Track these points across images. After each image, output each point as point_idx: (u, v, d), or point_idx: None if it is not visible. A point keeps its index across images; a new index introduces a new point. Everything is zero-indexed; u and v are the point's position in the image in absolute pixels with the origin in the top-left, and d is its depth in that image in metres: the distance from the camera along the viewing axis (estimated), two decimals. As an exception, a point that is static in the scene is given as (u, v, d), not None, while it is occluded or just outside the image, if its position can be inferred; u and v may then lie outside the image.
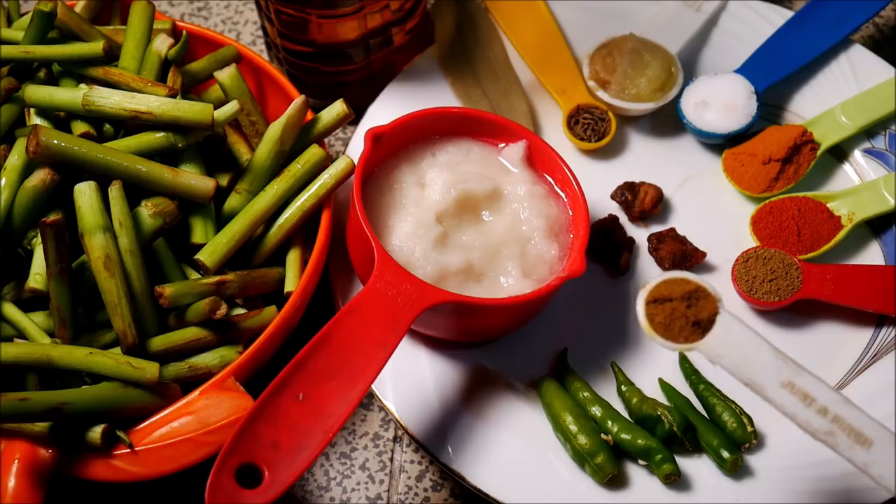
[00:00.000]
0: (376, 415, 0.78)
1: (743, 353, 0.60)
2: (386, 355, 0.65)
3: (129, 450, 0.65)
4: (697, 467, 0.72)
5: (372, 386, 0.71)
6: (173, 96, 0.72)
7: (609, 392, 0.76)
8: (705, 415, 0.74)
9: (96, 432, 0.65)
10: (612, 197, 0.84)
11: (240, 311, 0.72)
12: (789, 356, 0.61)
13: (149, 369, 0.66)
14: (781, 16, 0.90)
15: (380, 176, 0.77)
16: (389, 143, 0.77)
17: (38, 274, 0.67)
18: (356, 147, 0.82)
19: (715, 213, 0.84)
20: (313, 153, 0.76)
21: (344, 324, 0.66)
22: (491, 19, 0.92)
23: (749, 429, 0.71)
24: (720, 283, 0.80)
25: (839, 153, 0.86)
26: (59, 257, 0.65)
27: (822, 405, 0.59)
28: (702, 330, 0.61)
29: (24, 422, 0.64)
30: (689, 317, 0.61)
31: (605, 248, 0.81)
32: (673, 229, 0.82)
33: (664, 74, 0.86)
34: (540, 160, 0.79)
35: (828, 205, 0.81)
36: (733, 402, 0.73)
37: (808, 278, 0.77)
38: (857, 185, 0.83)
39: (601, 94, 0.86)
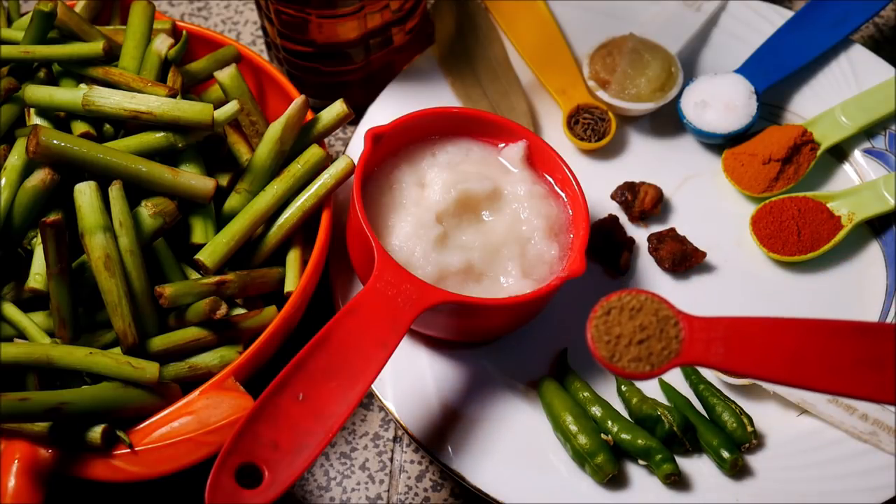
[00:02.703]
0: (376, 415, 0.78)
1: None
2: (386, 355, 0.65)
3: (129, 450, 0.65)
4: (697, 467, 0.72)
5: (372, 386, 0.71)
6: (173, 96, 0.72)
7: (609, 392, 0.76)
8: (705, 415, 0.74)
9: (96, 432, 0.65)
10: (612, 197, 0.84)
11: (240, 311, 0.72)
12: None
13: (149, 369, 0.66)
14: (781, 16, 0.90)
15: (380, 176, 0.77)
16: (389, 143, 0.77)
17: (38, 274, 0.67)
18: (356, 147, 0.82)
19: (715, 213, 0.84)
20: (313, 153, 0.76)
21: (344, 324, 0.66)
22: (491, 19, 0.92)
23: (749, 429, 0.71)
24: (720, 285, 0.80)
25: (839, 153, 0.86)
26: (59, 257, 0.65)
27: (862, 412, 0.71)
28: None
29: (24, 422, 0.64)
30: None
31: (605, 248, 0.81)
32: (673, 229, 0.82)
33: (664, 74, 0.86)
34: (540, 160, 0.79)
35: (828, 205, 0.81)
36: (733, 402, 0.73)
37: (691, 337, 0.57)
38: (857, 185, 0.83)
39: (601, 94, 0.86)
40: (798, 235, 0.80)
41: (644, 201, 0.82)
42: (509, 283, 0.73)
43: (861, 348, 0.55)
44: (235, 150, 0.76)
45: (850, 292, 0.79)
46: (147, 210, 0.69)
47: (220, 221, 0.74)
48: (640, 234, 0.83)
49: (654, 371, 0.57)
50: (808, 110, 0.87)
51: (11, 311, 0.69)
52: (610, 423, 0.72)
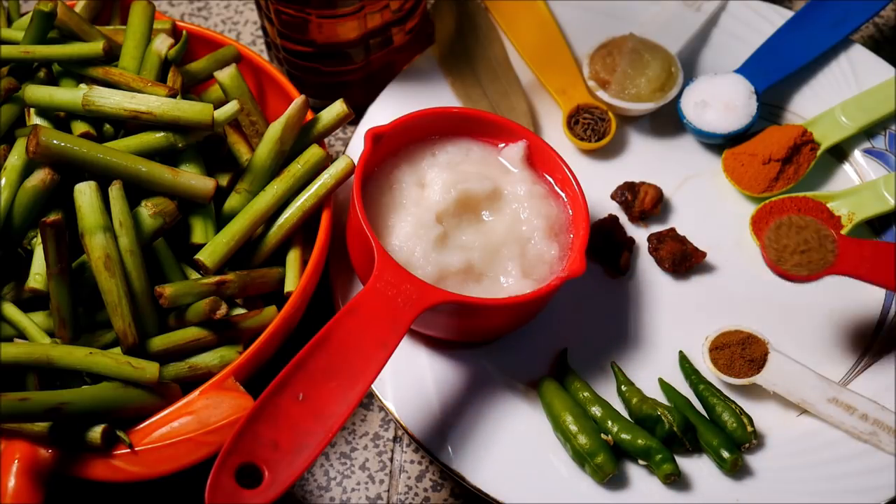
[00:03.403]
0: (376, 415, 0.78)
1: (794, 380, 0.73)
2: (386, 355, 0.65)
3: (129, 450, 0.65)
4: (697, 467, 0.72)
5: (372, 386, 0.71)
6: (173, 96, 0.72)
7: (609, 392, 0.76)
8: (705, 415, 0.74)
9: (96, 432, 0.65)
10: (612, 197, 0.84)
11: (240, 311, 0.72)
12: (829, 378, 0.73)
13: (149, 369, 0.66)
14: (781, 16, 0.90)
15: (380, 176, 0.77)
16: (389, 143, 0.77)
17: (38, 274, 0.67)
18: (356, 147, 0.82)
19: (715, 213, 0.84)
20: (313, 153, 0.76)
21: (344, 324, 0.66)
22: (491, 19, 0.92)
23: (749, 429, 0.71)
24: (720, 285, 0.81)
25: (839, 153, 0.86)
26: (59, 257, 0.65)
27: (862, 412, 0.72)
28: (757, 366, 0.74)
29: (24, 422, 0.64)
30: (746, 357, 0.74)
31: (605, 248, 0.81)
32: (673, 229, 0.82)
33: (664, 74, 0.86)
34: (540, 160, 0.79)
35: (828, 205, 0.81)
36: (733, 402, 0.73)
37: (844, 253, 0.70)
38: (857, 185, 0.83)
39: (601, 94, 0.86)
40: None
41: (644, 201, 0.82)
42: (509, 283, 0.73)
43: None
44: (235, 150, 0.76)
45: (850, 292, 0.79)
46: (147, 210, 0.69)
47: (220, 221, 0.74)
48: (640, 234, 0.83)
49: (812, 275, 0.71)
50: (808, 110, 0.87)
51: (11, 311, 0.69)
52: (610, 423, 0.72)
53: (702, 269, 0.81)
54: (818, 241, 0.71)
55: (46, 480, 0.64)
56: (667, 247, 0.80)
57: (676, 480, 0.70)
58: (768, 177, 0.83)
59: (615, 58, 0.87)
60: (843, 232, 0.80)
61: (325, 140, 0.80)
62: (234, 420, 0.64)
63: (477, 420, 0.73)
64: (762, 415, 0.74)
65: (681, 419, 0.71)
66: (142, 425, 0.66)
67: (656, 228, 0.83)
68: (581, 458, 0.70)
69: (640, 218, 0.83)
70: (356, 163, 0.74)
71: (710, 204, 0.84)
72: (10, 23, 0.81)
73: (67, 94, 0.72)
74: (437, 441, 0.72)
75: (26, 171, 0.69)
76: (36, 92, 0.72)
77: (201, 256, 0.70)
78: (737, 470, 0.71)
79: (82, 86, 0.74)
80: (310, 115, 0.78)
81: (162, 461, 0.64)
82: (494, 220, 0.76)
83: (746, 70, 0.87)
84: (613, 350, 0.78)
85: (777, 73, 0.87)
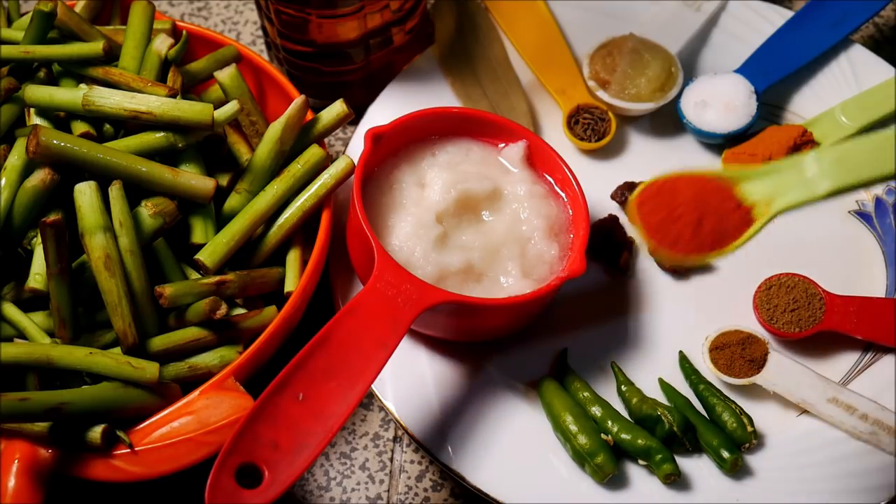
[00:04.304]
0: (376, 415, 0.78)
1: (794, 380, 0.73)
2: (386, 355, 0.65)
3: (129, 450, 0.65)
4: (697, 467, 0.72)
5: (372, 386, 0.71)
6: (173, 96, 0.72)
7: (609, 392, 0.76)
8: (705, 415, 0.74)
9: (96, 432, 0.65)
10: (612, 197, 0.84)
11: (240, 311, 0.73)
12: (829, 378, 0.73)
13: (149, 369, 0.66)
14: (781, 16, 0.90)
15: (380, 176, 0.77)
16: (389, 143, 0.77)
17: (38, 274, 0.67)
18: (356, 147, 0.82)
19: (715, 213, 0.84)
20: (313, 153, 0.76)
21: (344, 324, 0.66)
22: (491, 19, 0.92)
23: (749, 429, 0.71)
24: (720, 285, 0.80)
25: (839, 153, 0.86)
26: (59, 257, 0.65)
27: (863, 412, 0.72)
28: (757, 366, 0.74)
29: (24, 422, 0.64)
30: (746, 357, 0.74)
31: (605, 248, 0.81)
32: (673, 229, 0.82)
33: (664, 74, 0.86)
34: (540, 160, 0.79)
35: (735, 189, 0.67)
36: (733, 402, 0.73)
37: (831, 310, 0.75)
38: (778, 161, 0.70)
39: (601, 94, 0.86)
40: (696, 229, 0.68)
41: (644, 201, 0.82)
42: (509, 283, 0.73)
43: None
44: (235, 150, 0.76)
45: (849, 293, 0.79)
46: (147, 210, 0.69)
47: (220, 221, 0.74)
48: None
49: (803, 332, 0.75)
50: (808, 110, 0.87)
51: (11, 311, 0.69)
52: (610, 423, 0.72)
53: (702, 269, 0.81)
54: (807, 299, 0.75)
55: (46, 480, 0.64)
56: (667, 247, 0.80)
57: (676, 480, 0.70)
58: (768, 177, 0.82)
59: (615, 58, 0.87)
60: (757, 225, 0.68)
61: (325, 140, 0.80)
62: (234, 420, 0.64)
63: (477, 420, 0.73)
64: (762, 415, 0.74)
65: (681, 419, 0.71)
66: (142, 425, 0.66)
67: (656, 228, 0.83)
68: (581, 458, 0.70)
69: (640, 218, 0.83)
70: (356, 163, 0.74)
71: (710, 204, 0.84)
72: (10, 23, 0.81)
73: (67, 94, 0.72)
74: (437, 441, 0.72)
75: (26, 171, 0.69)
76: (36, 92, 0.72)
77: (201, 256, 0.70)
78: (737, 470, 0.71)
79: (82, 86, 0.74)
80: (310, 115, 0.78)
81: (162, 461, 0.64)
82: (494, 220, 0.76)
83: (746, 70, 0.87)
84: (613, 350, 0.78)
85: (777, 73, 0.87)
